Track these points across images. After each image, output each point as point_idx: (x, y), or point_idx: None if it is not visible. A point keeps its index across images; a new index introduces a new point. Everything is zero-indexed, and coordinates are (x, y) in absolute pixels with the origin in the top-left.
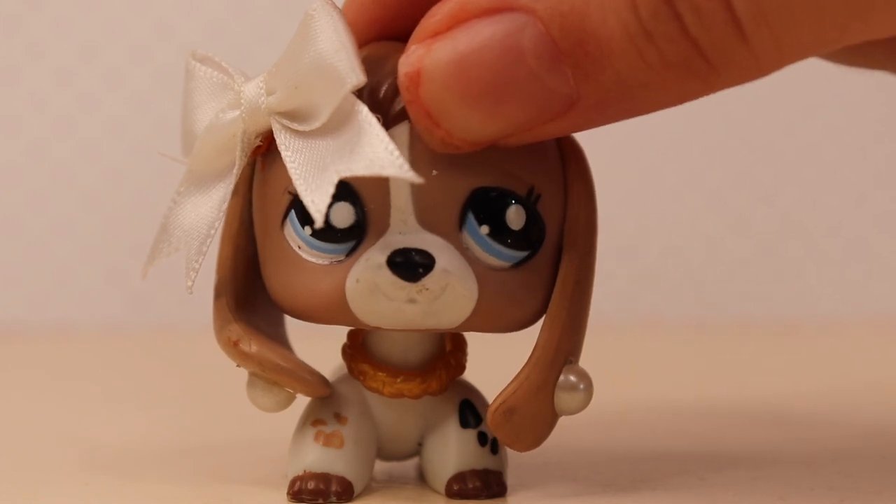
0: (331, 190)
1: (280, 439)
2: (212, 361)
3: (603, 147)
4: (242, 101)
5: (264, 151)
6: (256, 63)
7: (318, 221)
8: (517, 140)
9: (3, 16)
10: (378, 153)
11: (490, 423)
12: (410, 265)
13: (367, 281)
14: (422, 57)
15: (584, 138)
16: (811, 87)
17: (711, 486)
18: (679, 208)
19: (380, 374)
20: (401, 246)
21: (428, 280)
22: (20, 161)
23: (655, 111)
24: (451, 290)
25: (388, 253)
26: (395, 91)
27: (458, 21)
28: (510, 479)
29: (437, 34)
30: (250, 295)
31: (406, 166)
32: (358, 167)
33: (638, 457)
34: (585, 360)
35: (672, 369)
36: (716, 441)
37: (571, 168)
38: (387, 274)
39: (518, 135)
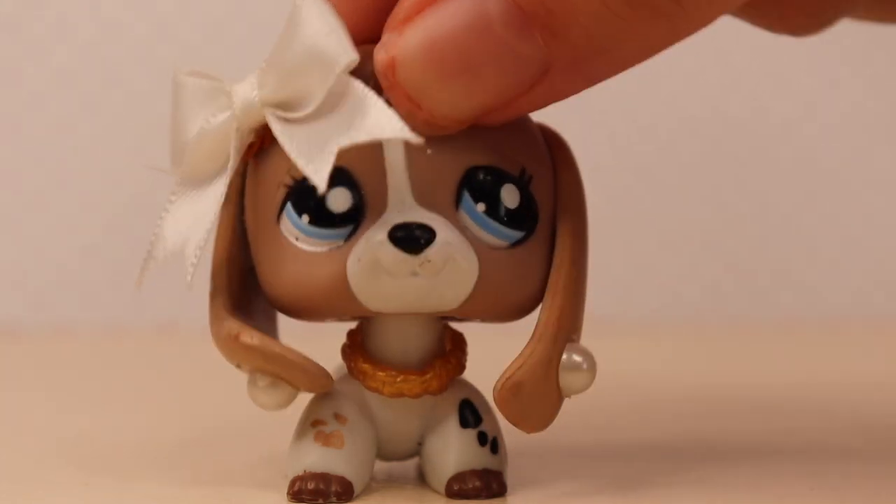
0: (331, 158)
1: (280, 439)
2: (212, 362)
3: (603, 146)
4: (234, 99)
5: (257, 150)
6: (256, 63)
7: (321, 187)
8: (502, 115)
9: (3, 16)
10: (379, 119)
11: (497, 400)
12: (412, 238)
13: (369, 258)
14: (395, 42)
15: (585, 137)
16: (812, 86)
17: (711, 486)
18: (679, 208)
19: (379, 373)
20: (401, 221)
21: (430, 251)
22: (20, 161)
23: (630, 66)
24: (452, 264)
25: (388, 228)
26: (377, 87)
27: (427, 3)
28: (510, 479)
29: (408, 19)
30: (245, 304)
31: (407, 129)
32: (359, 135)
33: (638, 456)
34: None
35: (672, 369)
36: (716, 441)
37: (558, 155)
38: (389, 248)
39: (501, 109)
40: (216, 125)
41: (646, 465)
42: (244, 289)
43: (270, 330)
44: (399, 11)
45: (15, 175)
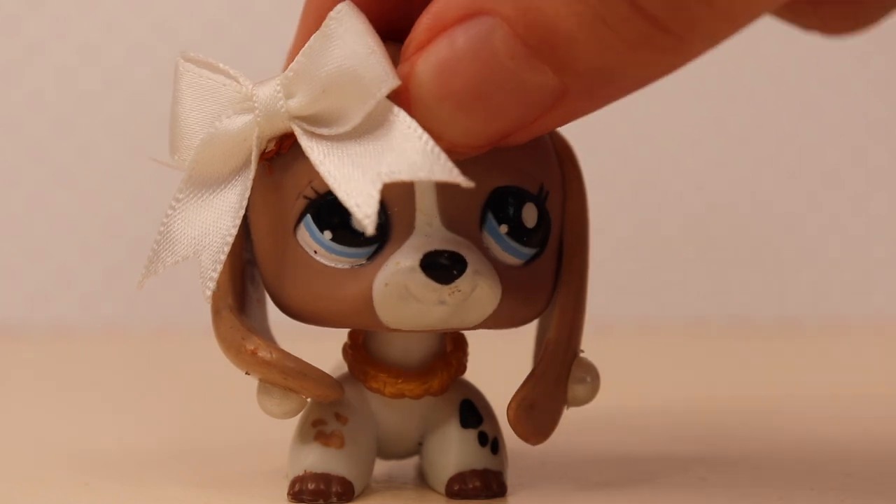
0: (376, 194)
1: (280, 440)
2: (211, 362)
3: (604, 147)
4: (257, 104)
5: (272, 156)
6: (256, 63)
7: (370, 228)
8: (522, 136)
9: (3, 16)
10: (424, 156)
11: (511, 419)
12: (444, 267)
13: (397, 284)
14: (407, 75)
15: (584, 138)
16: (811, 87)
17: (711, 486)
18: (679, 209)
19: (381, 374)
20: (431, 248)
21: (460, 282)
22: (20, 161)
23: (645, 86)
24: (479, 291)
25: (419, 255)
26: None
27: (436, 32)
28: (510, 479)
29: (420, 48)
30: (245, 303)
31: (455, 170)
32: (402, 170)
33: (638, 457)
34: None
35: (672, 369)
36: (716, 441)
37: (567, 166)
38: (420, 277)
39: (520, 131)
40: (233, 128)
41: (645, 466)
42: (245, 286)
43: (262, 319)
44: (411, 40)
45: (15, 175)
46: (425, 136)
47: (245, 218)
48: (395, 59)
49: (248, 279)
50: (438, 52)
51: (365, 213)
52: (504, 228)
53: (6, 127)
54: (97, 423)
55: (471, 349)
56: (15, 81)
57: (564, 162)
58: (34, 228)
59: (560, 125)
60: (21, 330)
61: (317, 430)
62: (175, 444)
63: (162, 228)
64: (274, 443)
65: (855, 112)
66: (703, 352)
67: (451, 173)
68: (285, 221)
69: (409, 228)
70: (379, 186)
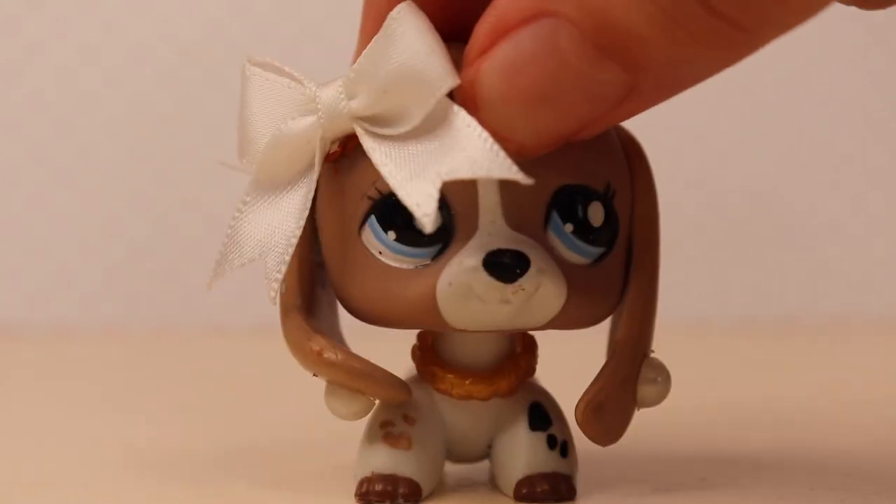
0: (436, 193)
1: (281, 441)
2: (212, 362)
3: None
4: (320, 106)
5: (336, 158)
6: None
7: (429, 226)
8: (590, 132)
9: (3, 16)
10: (484, 154)
11: (580, 420)
12: (507, 266)
13: (461, 284)
14: (473, 80)
15: None
16: (812, 87)
17: (711, 486)
18: (679, 208)
19: (449, 375)
20: (495, 247)
21: (524, 281)
22: (20, 161)
23: (712, 76)
24: (543, 290)
25: (482, 255)
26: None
27: (499, 35)
28: (580, 484)
29: (483, 52)
30: (314, 303)
31: (515, 167)
32: (461, 169)
33: (637, 457)
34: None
35: (672, 369)
36: (716, 441)
37: (635, 163)
38: (482, 276)
39: (589, 127)
40: (298, 130)
41: (645, 466)
42: (313, 287)
43: (333, 321)
44: (473, 45)
45: (15, 175)
46: (485, 134)
47: (313, 220)
48: (456, 59)
49: (317, 281)
50: (504, 54)
51: (424, 212)
52: (569, 227)
53: (6, 127)
54: (97, 422)
55: (540, 350)
56: (15, 81)
57: (633, 158)
58: (34, 228)
59: (627, 118)
60: (21, 330)
61: (384, 431)
62: (174, 443)
63: (229, 231)
64: (274, 444)
65: (855, 112)
66: (703, 352)
67: (510, 171)
68: (350, 222)
69: (473, 228)
70: (438, 185)
